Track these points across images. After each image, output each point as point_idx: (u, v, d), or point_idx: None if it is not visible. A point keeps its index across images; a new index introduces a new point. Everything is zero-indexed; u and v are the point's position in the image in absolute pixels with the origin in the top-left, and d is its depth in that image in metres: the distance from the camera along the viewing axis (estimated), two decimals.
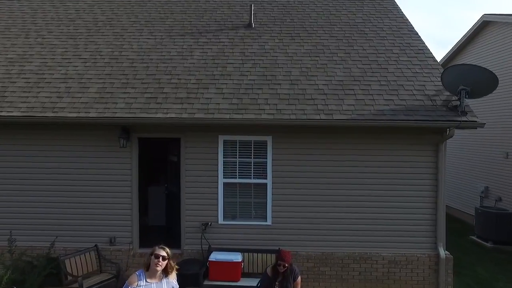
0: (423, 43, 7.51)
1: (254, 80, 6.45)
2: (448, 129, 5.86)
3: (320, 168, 6.08)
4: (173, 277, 3.39)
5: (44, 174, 6.07)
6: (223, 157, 6.09)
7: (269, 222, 6.12)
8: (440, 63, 9.40)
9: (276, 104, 5.97)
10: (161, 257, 3.21)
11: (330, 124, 5.79)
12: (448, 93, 6.12)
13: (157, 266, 3.20)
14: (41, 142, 6.05)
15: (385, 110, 5.91)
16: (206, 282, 5.53)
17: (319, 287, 6.12)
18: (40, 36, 7.35)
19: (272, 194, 6.10)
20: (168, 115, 5.65)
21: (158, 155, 7.89)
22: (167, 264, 3.27)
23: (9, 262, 5.33)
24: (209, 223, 6.06)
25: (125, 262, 5.99)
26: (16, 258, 5.39)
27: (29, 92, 6.00)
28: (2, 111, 5.61)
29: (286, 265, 4.46)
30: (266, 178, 6.12)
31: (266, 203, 6.12)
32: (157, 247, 3.30)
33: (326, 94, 6.21)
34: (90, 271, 5.65)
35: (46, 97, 5.90)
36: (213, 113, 5.74)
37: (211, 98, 6.02)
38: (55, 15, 8.10)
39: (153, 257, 3.22)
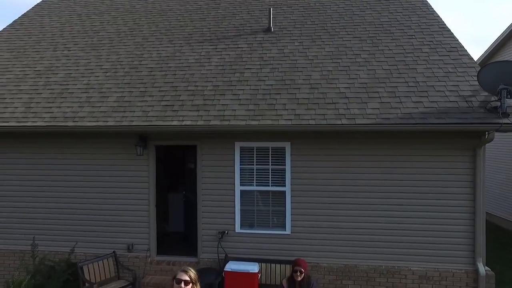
0: (457, 40, 6.97)
1: (272, 85, 6.28)
2: (486, 133, 5.36)
3: (342, 175, 5.77)
4: None
5: (65, 181, 6.24)
6: (240, 164, 5.95)
7: (288, 232, 5.88)
8: (478, 62, 8.73)
9: (295, 109, 5.75)
10: (183, 282, 2.87)
11: (353, 129, 5.47)
12: (486, 93, 5.60)
13: None
14: (64, 151, 6.24)
15: (414, 113, 5.50)
16: None
17: None
18: (66, 49, 7.67)
19: (291, 203, 5.86)
20: (184, 123, 5.61)
21: (177, 162, 7.92)
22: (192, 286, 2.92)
23: (32, 266, 5.50)
24: (226, 232, 5.92)
25: (142, 269, 6.00)
26: (39, 262, 5.55)
27: (53, 102, 6.23)
28: (27, 121, 5.86)
29: (303, 270, 4.30)
30: (284, 186, 5.89)
31: (284, 211, 5.89)
32: (179, 271, 2.97)
33: (348, 97, 5.90)
34: (108, 278, 5.70)
35: (68, 107, 6.10)
36: (229, 120, 5.63)
37: (227, 104, 5.92)
38: (81, 28, 8.44)
39: (174, 282, 2.92)
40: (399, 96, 5.85)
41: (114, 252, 5.97)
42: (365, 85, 6.13)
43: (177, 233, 7.61)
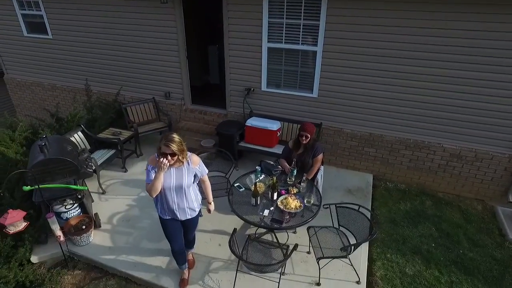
0: None
1: None
2: None
3: (382, 36, 4.90)
4: (196, 163, 3.10)
5: (109, 28, 6.49)
6: (269, 18, 5.39)
7: (315, 95, 5.67)
8: None
9: None
10: (169, 155, 2.84)
11: None
12: None
13: (165, 166, 2.82)
14: (102, 2, 6.24)
15: None
16: (242, 144, 5.86)
17: (360, 166, 5.91)
18: None
19: (321, 65, 5.41)
20: None
21: (210, 14, 7.47)
22: (177, 157, 2.90)
23: (88, 103, 6.52)
24: (252, 89, 5.96)
25: (178, 115, 6.67)
26: (96, 99, 6.52)
27: None
28: None
29: (308, 135, 4.33)
30: (316, 45, 5.33)
31: (314, 73, 5.53)
32: (163, 144, 2.82)
33: None
34: (149, 119, 6.54)
35: None
36: None
37: None
38: None
39: (161, 155, 2.85)
40: None
41: (153, 98, 6.61)
42: None
43: (215, 85, 7.94)
